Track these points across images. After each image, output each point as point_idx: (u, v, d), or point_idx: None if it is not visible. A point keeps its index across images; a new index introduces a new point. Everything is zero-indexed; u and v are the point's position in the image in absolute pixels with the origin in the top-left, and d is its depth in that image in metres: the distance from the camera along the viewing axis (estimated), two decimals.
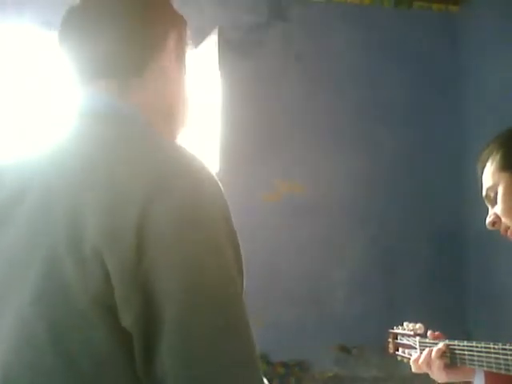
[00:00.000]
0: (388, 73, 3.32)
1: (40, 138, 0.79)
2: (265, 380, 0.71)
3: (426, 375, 1.25)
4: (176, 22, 0.87)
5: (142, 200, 0.62)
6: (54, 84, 2.72)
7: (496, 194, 1.11)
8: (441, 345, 1.18)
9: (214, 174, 0.70)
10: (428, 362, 1.19)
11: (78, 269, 0.62)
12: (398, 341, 1.40)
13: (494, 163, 1.11)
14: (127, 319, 0.62)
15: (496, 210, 1.11)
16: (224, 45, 2.83)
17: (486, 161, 1.14)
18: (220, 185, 0.69)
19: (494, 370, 1.03)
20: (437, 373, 1.19)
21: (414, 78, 3.36)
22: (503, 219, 1.10)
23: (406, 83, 3.34)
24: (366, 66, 3.30)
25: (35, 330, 0.64)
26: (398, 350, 1.40)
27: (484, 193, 1.14)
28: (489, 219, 1.12)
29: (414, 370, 1.25)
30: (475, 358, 1.09)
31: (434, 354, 1.18)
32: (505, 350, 1.01)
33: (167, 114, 0.85)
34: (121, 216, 0.62)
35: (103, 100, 0.78)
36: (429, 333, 1.27)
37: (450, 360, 1.17)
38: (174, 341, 0.62)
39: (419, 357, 1.22)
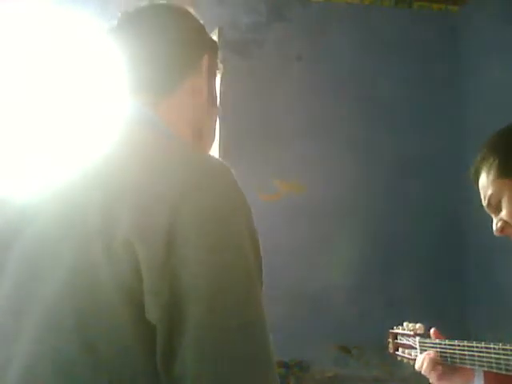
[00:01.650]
0: (388, 73, 3.32)
1: (76, 140, 0.84)
2: None
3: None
4: (209, 47, 0.95)
5: (173, 200, 0.66)
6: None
7: (499, 201, 1.08)
8: (431, 353, 1.21)
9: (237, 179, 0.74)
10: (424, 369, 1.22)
11: (108, 260, 0.65)
12: (398, 341, 1.40)
13: (492, 171, 1.09)
14: (154, 312, 0.65)
15: (502, 216, 1.08)
16: (224, 45, 2.83)
17: (481, 169, 1.12)
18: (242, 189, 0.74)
19: (495, 371, 1.03)
20: (433, 379, 1.21)
21: (414, 78, 3.35)
22: None
23: (405, 83, 3.33)
24: (366, 65, 3.30)
25: (61, 319, 0.67)
26: (397, 350, 1.40)
27: (485, 202, 1.11)
28: (496, 226, 1.09)
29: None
30: (475, 358, 1.09)
31: (424, 364, 1.21)
32: (505, 350, 1.01)
33: (193, 132, 0.91)
34: (153, 214, 0.66)
35: (142, 111, 0.85)
36: (432, 331, 1.27)
37: (450, 361, 1.17)
38: (195, 337, 0.64)
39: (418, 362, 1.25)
